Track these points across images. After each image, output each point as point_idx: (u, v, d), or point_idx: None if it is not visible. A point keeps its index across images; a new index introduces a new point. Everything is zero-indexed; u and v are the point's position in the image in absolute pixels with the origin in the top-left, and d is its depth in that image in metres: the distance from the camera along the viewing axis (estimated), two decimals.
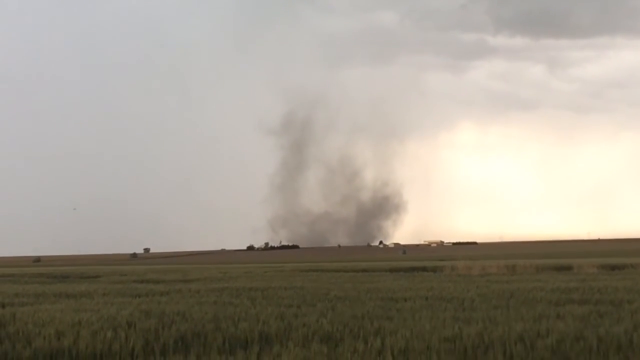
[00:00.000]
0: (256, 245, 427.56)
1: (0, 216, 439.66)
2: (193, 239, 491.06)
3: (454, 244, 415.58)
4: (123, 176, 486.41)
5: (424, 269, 66.31)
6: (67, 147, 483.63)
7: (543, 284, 34.76)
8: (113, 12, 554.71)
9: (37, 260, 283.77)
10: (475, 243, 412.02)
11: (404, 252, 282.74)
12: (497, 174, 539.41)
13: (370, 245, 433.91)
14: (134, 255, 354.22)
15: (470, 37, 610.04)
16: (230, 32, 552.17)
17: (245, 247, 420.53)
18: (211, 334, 17.69)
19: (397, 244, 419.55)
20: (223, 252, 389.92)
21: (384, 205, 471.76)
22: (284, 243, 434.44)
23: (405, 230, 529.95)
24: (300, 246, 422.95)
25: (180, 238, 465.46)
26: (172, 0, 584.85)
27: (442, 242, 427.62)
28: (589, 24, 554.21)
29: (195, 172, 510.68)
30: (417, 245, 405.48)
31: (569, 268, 59.83)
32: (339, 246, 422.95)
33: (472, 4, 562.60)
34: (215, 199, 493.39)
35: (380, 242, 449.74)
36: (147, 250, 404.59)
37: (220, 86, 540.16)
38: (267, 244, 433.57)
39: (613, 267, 58.30)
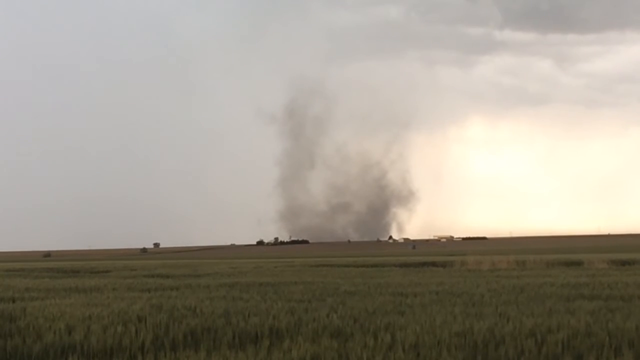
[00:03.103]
0: (266, 240, 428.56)
1: (11, 211, 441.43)
2: (203, 234, 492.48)
3: (463, 239, 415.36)
4: (132, 171, 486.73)
5: (434, 264, 66.36)
6: (76, 143, 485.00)
7: (553, 279, 34.75)
8: (118, 5, 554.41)
9: (47, 255, 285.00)
10: (485, 238, 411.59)
11: (414, 247, 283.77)
12: (507, 169, 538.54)
13: (380, 240, 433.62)
14: (144, 250, 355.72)
15: (476, 31, 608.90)
16: (237, 27, 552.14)
17: (254, 242, 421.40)
18: (221, 328, 17.69)
19: (406, 239, 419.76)
20: (233, 247, 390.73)
21: (393, 200, 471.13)
22: (294, 238, 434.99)
23: (415, 225, 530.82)
24: (310, 241, 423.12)
25: (190, 233, 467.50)
26: None
27: (451, 237, 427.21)
28: (597, 18, 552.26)
29: (204, 166, 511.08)
30: (427, 241, 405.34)
31: (579, 263, 59.83)
32: (349, 241, 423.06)
33: None
34: (225, 194, 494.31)
35: (390, 237, 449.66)
36: (157, 245, 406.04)
37: (227, 80, 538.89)
38: (276, 239, 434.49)
39: (623, 263, 58.26)
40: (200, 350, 15.29)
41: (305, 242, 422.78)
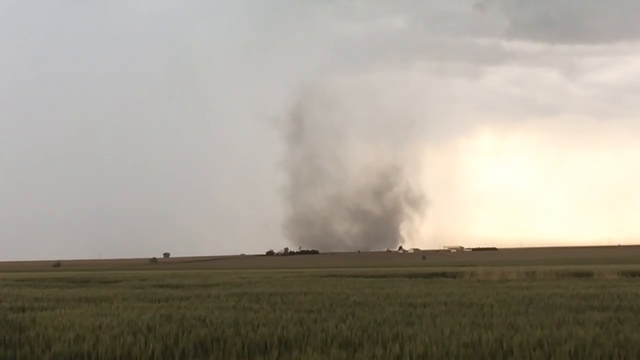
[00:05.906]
0: (275, 251, 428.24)
1: (21, 221, 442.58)
2: (212, 244, 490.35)
3: (473, 249, 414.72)
4: (142, 181, 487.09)
5: (444, 274, 66.20)
6: (86, 152, 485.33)
7: (563, 290, 34.65)
8: (126, 15, 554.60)
9: (57, 264, 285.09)
10: (494, 249, 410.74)
11: (424, 258, 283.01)
12: (517, 180, 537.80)
13: (390, 251, 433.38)
14: (154, 260, 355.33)
15: (484, 42, 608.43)
16: (244, 36, 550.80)
17: (264, 253, 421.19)
18: (231, 339, 17.72)
19: (416, 250, 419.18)
20: (242, 257, 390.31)
21: (403, 211, 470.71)
22: (304, 248, 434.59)
23: (425, 235, 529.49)
24: (320, 251, 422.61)
25: (199, 243, 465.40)
26: (183, 4, 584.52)
27: (461, 248, 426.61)
28: (606, 29, 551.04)
29: (214, 176, 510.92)
30: (437, 251, 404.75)
31: (589, 274, 59.59)
32: (359, 252, 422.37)
33: (487, 4, 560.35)
34: (235, 204, 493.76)
35: (400, 248, 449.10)
36: (166, 255, 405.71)
37: (234, 89, 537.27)
38: (286, 249, 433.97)
39: (634, 274, 58.04)
40: None
41: (315, 252, 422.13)
